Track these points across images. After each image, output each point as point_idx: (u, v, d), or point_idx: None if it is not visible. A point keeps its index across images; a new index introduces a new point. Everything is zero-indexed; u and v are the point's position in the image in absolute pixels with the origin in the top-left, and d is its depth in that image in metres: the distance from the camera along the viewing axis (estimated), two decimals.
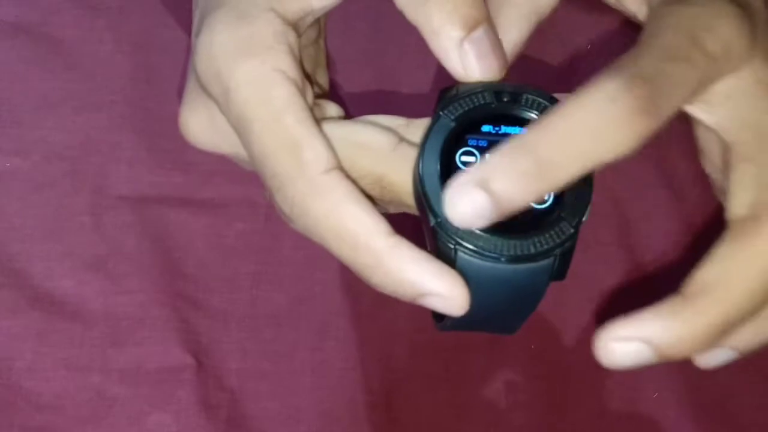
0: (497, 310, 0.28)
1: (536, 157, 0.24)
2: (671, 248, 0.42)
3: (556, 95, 0.29)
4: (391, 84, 0.45)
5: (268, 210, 0.42)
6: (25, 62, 0.44)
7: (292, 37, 0.28)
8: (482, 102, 0.28)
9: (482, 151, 0.28)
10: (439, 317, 0.30)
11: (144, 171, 0.43)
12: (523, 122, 0.28)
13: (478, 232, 0.26)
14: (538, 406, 0.40)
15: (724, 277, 0.25)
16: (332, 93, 0.34)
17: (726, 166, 0.27)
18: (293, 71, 0.28)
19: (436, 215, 0.26)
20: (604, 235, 0.42)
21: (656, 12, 0.27)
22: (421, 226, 0.28)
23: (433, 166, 0.27)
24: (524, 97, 0.28)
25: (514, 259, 0.26)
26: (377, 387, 0.40)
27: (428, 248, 0.27)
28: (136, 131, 0.43)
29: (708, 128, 0.27)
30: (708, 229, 0.42)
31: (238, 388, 0.39)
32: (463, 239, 0.26)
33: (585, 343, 0.40)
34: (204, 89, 0.29)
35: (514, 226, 0.26)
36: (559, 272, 0.27)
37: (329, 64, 0.34)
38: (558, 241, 0.26)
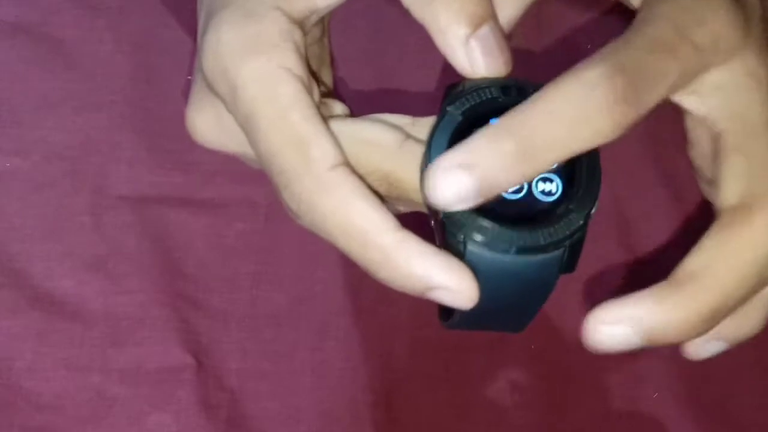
0: (506, 304, 0.28)
1: (518, 139, 0.24)
2: (671, 248, 0.42)
3: None
4: (392, 83, 0.45)
5: (268, 210, 0.42)
6: (25, 62, 0.44)
7: (298, 35, 0.29)
8: (489, 96, 0.28)
9: None
10: (445, 316, 0.30)
11: (144, 171, 0.43)
12: None
13: (486, 224, 0.26)
14: (538, 406, 0.40)
15: (713, 266, 0.26)
16: (335, 91, 0.35)
17: (715, 157, 0.27)
18: (299, 69, 0.28)
19: None
20: (604, 234, 0.42)
21: (649, 0, 0.27)
22: (429, 225, 0.28)
23: None
24: (531, 91, 0.28)
25: (524, 251, 0.26)
26: (378, 386, 0.40)
27: (437, 244, 0.27)
28: (136, 131, 0.43)
29: (698, 119, 0.28)
30: (707, 229, 0.42)
31: (238, 388, 0.39)
32: (471, 231, 0.26)
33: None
34: (211, 88, 0.29)
35: (523, 218, 0.26)
36: (569, 264, 0.27)
37: (333, 63, 0.35)
38: (568, 232, 0.26)
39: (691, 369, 0.40)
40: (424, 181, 0.25)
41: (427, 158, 0.27)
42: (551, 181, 0.27)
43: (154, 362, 0.39)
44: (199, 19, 0.31)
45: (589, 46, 0.46)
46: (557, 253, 0.26)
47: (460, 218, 0.26)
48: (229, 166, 0.43)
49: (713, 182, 0.28)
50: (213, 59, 0.28)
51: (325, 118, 0.28)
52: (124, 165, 0.43)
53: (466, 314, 0.27)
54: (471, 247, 0.26)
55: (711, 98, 0.27)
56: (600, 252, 0.42)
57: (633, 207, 0.43)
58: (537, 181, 0.27)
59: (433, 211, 0.27)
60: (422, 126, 0.29)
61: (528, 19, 0.31)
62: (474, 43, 0.27)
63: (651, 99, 0.25)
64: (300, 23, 0.29)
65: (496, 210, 0.27)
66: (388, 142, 0.28)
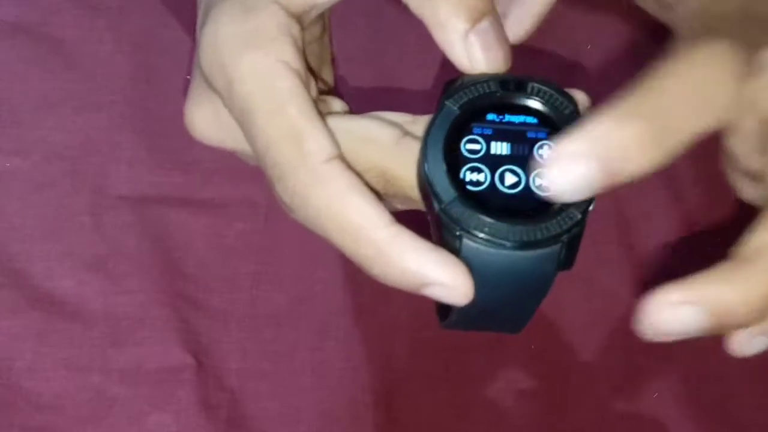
0: (503, 301, 0.27)
1: (649, 119, 0.23)
2: (671, 248, 0.42)
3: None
4: (392, 83, 0.45)
5: (268, 210, 0.42)
6: (25, 62, 0.44)
7: (296, 29, 0.28)
8: (487, 91, 0.28)
9: (487, 139, 0.28)
10: (443, 315, 0.30)
11: (144, 171, 0.43)
12: (528, 111, 0.28)
13: (483, 218, 0.26)
14: (538, 406, 0.40)
15: None
16: (335, 90, 0.35)
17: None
18: (297, 63, 0.28)
19: (440, 201, 0.26)
20: (604, 234, 0.42)
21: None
22: (425, 223, 0.28)
23: (438, 153, 0.27)
24: (530, 85, 0.28)
25: (521, 245, 0.26)
26: (378, 386, 0.40)
27: (433, 240, 0.27)
28: (136, 131, 0.43)
29: (744, 101, 0.26)
30: (708, 228, 0.42)
31: (238, 388, 0.39)
32: (468, 225, 0.26)
33: (585, 343, 0.40)
34: (208, 82, 0.29)
35: (520, 212, 0.26)
36: (567, 260, 0.27)
37: (334, 62, 0.35)
38: (565, 227, 0.26)
39: (691, 369, 0.40)
40: (546, 167, 0.23)
41: (424, 152, 0.27)
42: None
43: (154, 362, 0.39)
44: (198, 13, 0.31)
45: (589, 47, 0.47)
46: (554, 248, 0.26)
47: (456, 213, 0.26)
48: (229, 166, 0.43)
49: (758, 171, 0.27)
50: (211, 53, 0.28)
51: (323, 114, 0.28)
52: (124, 165, 0.43)
53: (463, 312, 0.27)
54: (467, 242, 0.26)
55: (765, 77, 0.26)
56: (600, 252, 0.42)
57: (633, 207, 0.43)
58: (535, 176, 0.27)
59: (429, 206, 0.27)
60: (422, 124, 0.29)
61: None
62: (473, 38, 0.27)
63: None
64: (298, 18, 0.29)
65: (493, 204, 0.26)
66: (385, 138, 0.28)
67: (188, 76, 0.43)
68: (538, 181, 0.27)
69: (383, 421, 0.39)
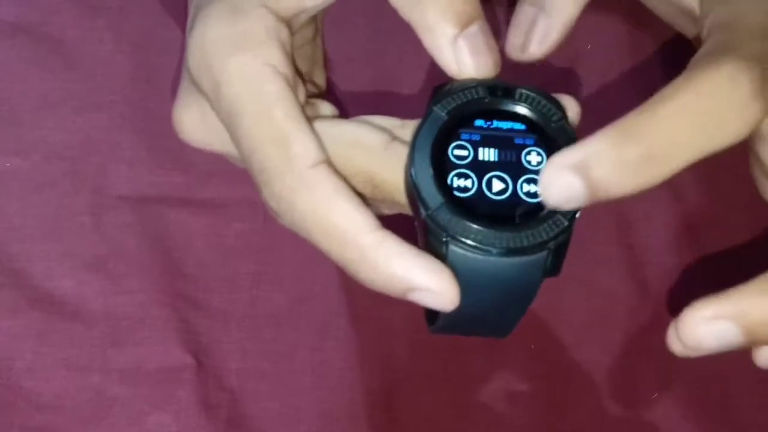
0: (489, 308, 0.27)
1: (645, 146, 0.23)
2: (671, 248, 0.42)
3: (553, 95, 0.29)
4: (391, 84, 0.45)
5: (267, 210, 0.42)
6: (25, 62, 0.44)
7: (284, 33, 0.28)
8: (475, 96, 0.27)
9: (475, 145, 0.28)
10: (431, 319, 0.30)
11: (144, 171, 0.43)
12: (516, 117, 0.28)
13: (470, 224, 0.26)
14: (538, 406, 0.40)
15: None
16: (330, 93, 0.34)
17: None
18: (284, 67, 0.28)
19: (427, 207, 0.26)
20: (603, 234, 0.42)
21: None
22: (413, 228, 0.28)
23: (425, 159, 0.27)
24: (518, 92, 0.28)
25: (507, 252, 0.26)
26: (377, 387, 0.40)
27: (420, 245, 0.27)
28: (136, 131, 0.43)
29: None
30: (708, 229, 0.42)
31: (238, 388, 0.39)
32: (454, 231, 0.26)
33: (585, 343, 0.40)
34: (195, 84, 0.29)
35: (507, 218, 0.26)
36: (553, 267, 0.27)
37: (327, 64, 0.34)
38: (552, 234, 0.26)
39: (691, 369, 0.40)
40: (540, 175, 0.24)
41: (411, 158, 0.27)
42: (536, 182, 0.26)
43: (154, 362, 0.39)
44: (189, 15, 0.31)
45: (589, 47, 0.47)
46: (541, 255, 0.26)
47: (442, 219, 0.26)
48: (229, 167, 0.42)
49: None
50: (198, 55, 0.28)
51: (310, 118, 0.28)
52: (124, 165, 0.43)
53: (449, 318, 0.27)
54: (453, 248, 0.26)
55: None
56: (600, 252, 0.42)
57: (633, 207, 0.43)
58: (522, 182, 0.27)
59: (416, 212, 0.27)
60: (410, 129, 0.29)
61: None
62: (462, 43, 0.27)
63: None
64: (287, 21, 0.29)
65: (480, 211, 0.26)
66: (373, 143, 0.28)
67: None
68: (525, 188, 0.27)
69: (383, 421, 0.39)
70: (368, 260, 0.26)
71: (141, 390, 0.39)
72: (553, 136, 0.27)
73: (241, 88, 0.27)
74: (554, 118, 0.28)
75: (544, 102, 0.28)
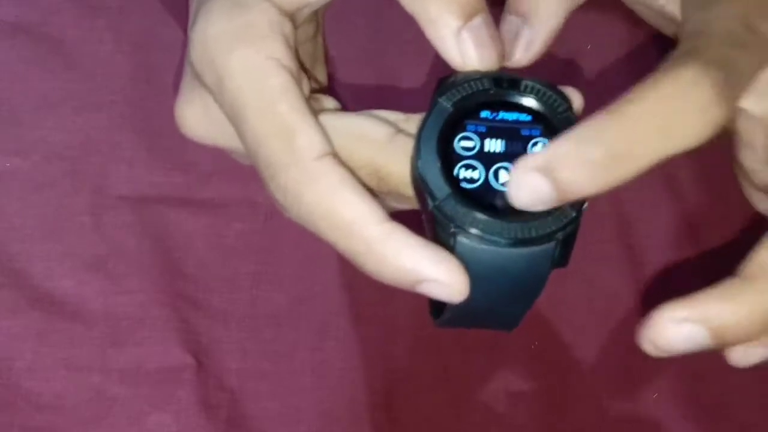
0: (497, 299, 0.27)
1: (608, 146, 0.23)
2: (671, 248, 0.42)
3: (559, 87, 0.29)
4: (391, 83, 0.45)
5: (267, 210, 0.42)
6: (25, 62, 0.44)
7: (287, 27, 0.28)
8: (480, 88, 0.27)
9: (481, 136, 0.28)
10: (436, 313, 0.30)
11: (144, 171, 0.43)
12: (522, 108, 0.28)
13: (478, 215, 0.26)
14: (538, 406, 0.40)
15: None
16: (331, 90, 0.34)
17: None
18: (288, 60, 0.28)
19: (434, 198, 0.26)
20: (604, 234, 0.42)
21: (698, 3, 0.27)
22: (418, 223, 0.27)
23: (431, 151, 0.27)
24: (523, 83, 0.28)
25: (515, 243, 0.26)
26: (377, 387, 0.40)
27: (426, 238, 0.27)
28: (136, 131, 0.43)
29: (752, 117, 0.27)
30: (708, 228, 0.42)
31: (238, 388, 0.39)
32: (462, 222, 0.26)
33: (585, 342, 0.40)
34: (198, 79, 0.29)
35: (515, 209, 0.26)
36: (561, 258, 0.27)
37: (328, 61, 0.34)
38: (560, 224, 0.26)
39: (691, 369, 0.40)
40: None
41: (417, 150, 0.27)
42: None
43: (154, 362, 0.39)
44: (190, 10, 0.31)
45: (588, 46, 0.47)
46: (549, 246, 0.26)
47: (450, 210, 0.26)
48: (229, 166, 0.42)
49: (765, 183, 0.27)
50: (201, 49, 0.28)
51: (315, 111, 0.28)
52: (124, 165, 0.43)
53: (457, 310, 0.27)
54: (461, 240, 0.26)
55: None
56: (600, 252, 0.42)
57: (633, 207, 0.43)
58: None
59: (423, 203, 0.27)
60: (414, 122, 0.29)
61: None
62: (466, 35, 0.27)
63: (738, 94, 0.25)
64: (290, 16, 0.29)
65: (488, 202, 0.26)
66: (378, 135, 0.28)
67: None
68: None
69: (383, 421, 0.39)
70: (376, 252, 0.26)
71: (141, 390, 0.39)
72: (559, 127, 0.27)
73: (245, 82, 0.27)
74: (560, 109, 0.28)
75: (549, 93, 0.28)
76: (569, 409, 0.40)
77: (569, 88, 0.29)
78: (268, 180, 0.27)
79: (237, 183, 0.42)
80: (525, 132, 0.28)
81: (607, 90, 0.25)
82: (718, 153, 0.30)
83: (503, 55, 0.28)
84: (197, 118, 0.30)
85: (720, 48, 0.25)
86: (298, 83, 0.28)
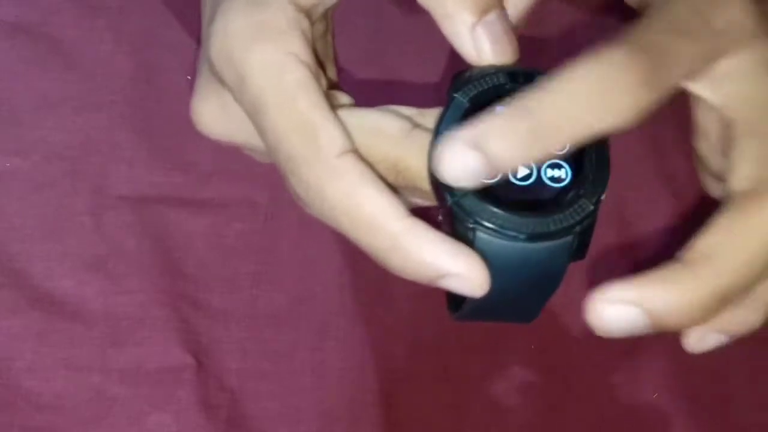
0: (516, 293, 0.27)
1: (534, 119, 0.24)
2: (671, 248, 0.42)
3: None
4: (392, 84, 0.45)
5: (268, 210, 0.42)
6: (25, 62, 0.44)
7: (305, 23, 0.29)
8: (496, 83, 0.28)
9: None
10: (455, 306, 0.30)
11: (144, 171, 0.43)
12: None
13: (496, 210, 0.26)
14: (538, 406, 0.40)
15: (725, 246, 0.25)
16: (338, 88, 0.34)
17: (727, 144, 0.27)
18: (307, 56, 0.28)
19: (453, 194, 0.26)
20: (604, 234, 0.42)
21: None
22: (435, 219, 0.28)
23: None
24: (539, 77, 0.28)
25: (533, 237, 0.26)
26: (378, 386, 0.40)
27: (444, 233, 0.27)
28: (136, 131, 0.43)
29: (709, 106, 0.27)
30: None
31: (238, 388, 0.39)
32: (481, 217, 0.26)
33: (585, 343, 0.40)
34: (217, 76, 0.29)
35: (533, 204, 0.26)
36: (579, 251, 0.27)
37: (337, 60, 0.35)
38: (578, 218, 0.26)
39: (691, 369, 0.40)
40: (431, 154, 0.25)
41: (435, 142, 0.27)
42: (560, 167, 0.27)
43: (154, 362, 0.39)
44: (204, 9, 0.31)
45: (588, 45, 0.46)
46: (567, 239, 0.26)
47: (468, 205, 0.26)
48: (229, 166, 0.43)
49: (720, 172, 0.28)
50: (220, 47, 0.28)
51: (333, 107, 0.28)
52: (124, 165, 0.43)
53: (476, 304, 0.27)
54: (480, 234, 0.26)
55: (724, 85, 0.27)
56: (600, 251, 0.42)
57: (633, 207, 0.43)
58: (546, 168, 0.27)
59: (441, 198, 0.27)
60: (429, 116, 0.29)
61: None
62: (481, 30, 0.27)
63: (671, 82, 0.25)
64: (307, 12, 0.29)
65: (506, 196, 0.26)
66: (395, 130, 0.28)
67: (189, 77, 0.43)
68: (549, 173, 0.27)
69: (383, 421, 0.39)
70: (399, 248, 0.26)
71: (141, 390, 0.39)
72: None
73: (265, 78, 0.27)
74: None
75: None
76: (569, 409, 0.40)
77: None
78: (289, 176, 0.27)
79: (237, 183, 0.42)
80: None
81: None
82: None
83: (518, 49, 0.28)
84: (214, 115, 0.30)
85: (658, 34, 0.25)
86: (317, 78, 0.28)
